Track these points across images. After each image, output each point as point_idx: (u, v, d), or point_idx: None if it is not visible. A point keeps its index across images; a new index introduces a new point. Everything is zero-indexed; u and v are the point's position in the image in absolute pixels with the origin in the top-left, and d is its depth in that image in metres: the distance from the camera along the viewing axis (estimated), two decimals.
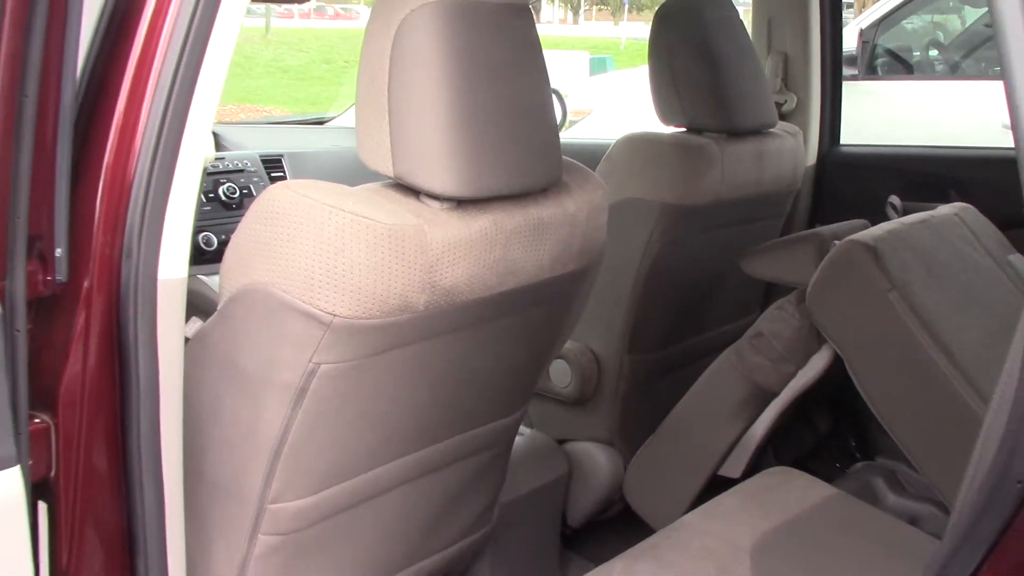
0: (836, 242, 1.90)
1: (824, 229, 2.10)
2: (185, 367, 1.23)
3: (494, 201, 1.31)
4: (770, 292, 2.47)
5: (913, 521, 2.02)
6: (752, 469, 2.07)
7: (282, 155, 2.54)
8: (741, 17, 2.24)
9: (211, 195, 2.25)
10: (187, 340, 1.25)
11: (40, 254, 1.09)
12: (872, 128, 3.28)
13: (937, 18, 6.49)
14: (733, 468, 2.11)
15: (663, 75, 2.13)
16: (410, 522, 1.53)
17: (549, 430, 2.27)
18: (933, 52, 5.67)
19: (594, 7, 35.37)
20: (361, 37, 1.28)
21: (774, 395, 2.05)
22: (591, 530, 2.30)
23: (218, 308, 1.27)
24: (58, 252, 1.09)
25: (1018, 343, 0.92)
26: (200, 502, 1.33)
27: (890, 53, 5.26)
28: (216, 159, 2.33)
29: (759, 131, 2.24)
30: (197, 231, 2.08)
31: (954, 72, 5.43)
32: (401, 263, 1.20)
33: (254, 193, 2.38)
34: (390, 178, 1.29)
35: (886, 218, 2.33)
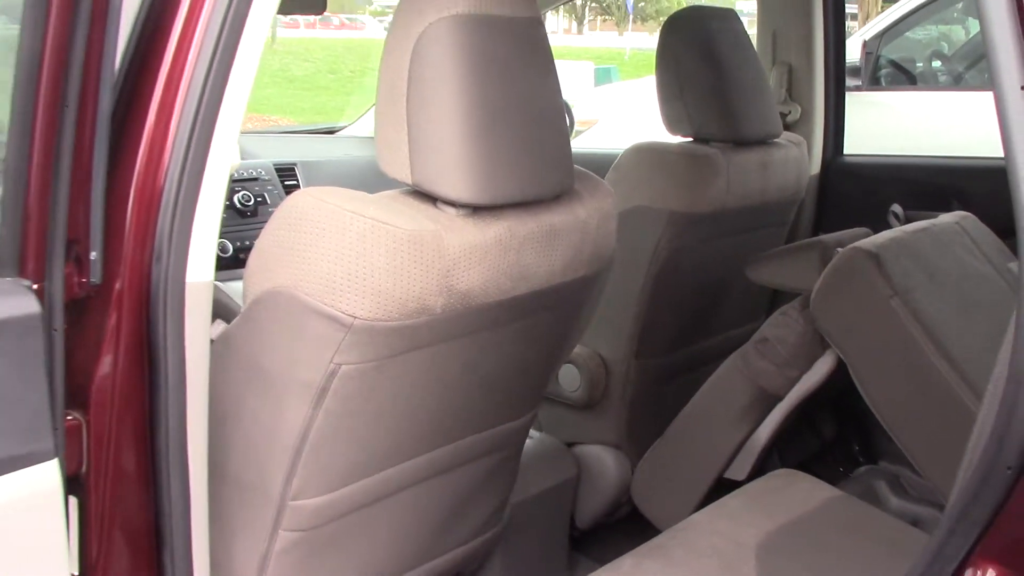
0: (839, 249, 1.92)
1: (827, 237, 2.12)
2: (210, 368, 1.26)
3: (508, 208, 1.34)
4: (776, 298, 2.48)
5: (915, 523, 2.02)
6: (757, 472, 2.08)
7: (295, 164, 2.56)
8: (746, 29, 2.27)
9: (226, 203, 2.27)
10: (212, 342, 1.28)
11: (76, 257, 1.11)
12: (875, 138, 3.29)
13: (941, 29, 6.48)
14: (739, 471, 2.12)
15: (670, 85, 2.15)
16: (423, 521, 1.56)
17: (558, 433, 2.29)
18: (936, 63, 5.66)
19: (598, 17, 35.29)
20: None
21: (779, 399, 2.07)
22: (599, 532, 2.31)
23: (242, 311, 1.29)
24: (93, 255, 1.11)
25: (1006, 346, 0.97)
26: (223, 498, 1.36)
27: (893, 64, 5.24)
28: None
29: (764, 141, 2.26)
30: None
31: (957, 83, 5.41)
32: (419, 267, 1.23)
33: (268, 201, 2.40)
34: (408, 185, 1.31)
35: (888, 226, 2.35)
